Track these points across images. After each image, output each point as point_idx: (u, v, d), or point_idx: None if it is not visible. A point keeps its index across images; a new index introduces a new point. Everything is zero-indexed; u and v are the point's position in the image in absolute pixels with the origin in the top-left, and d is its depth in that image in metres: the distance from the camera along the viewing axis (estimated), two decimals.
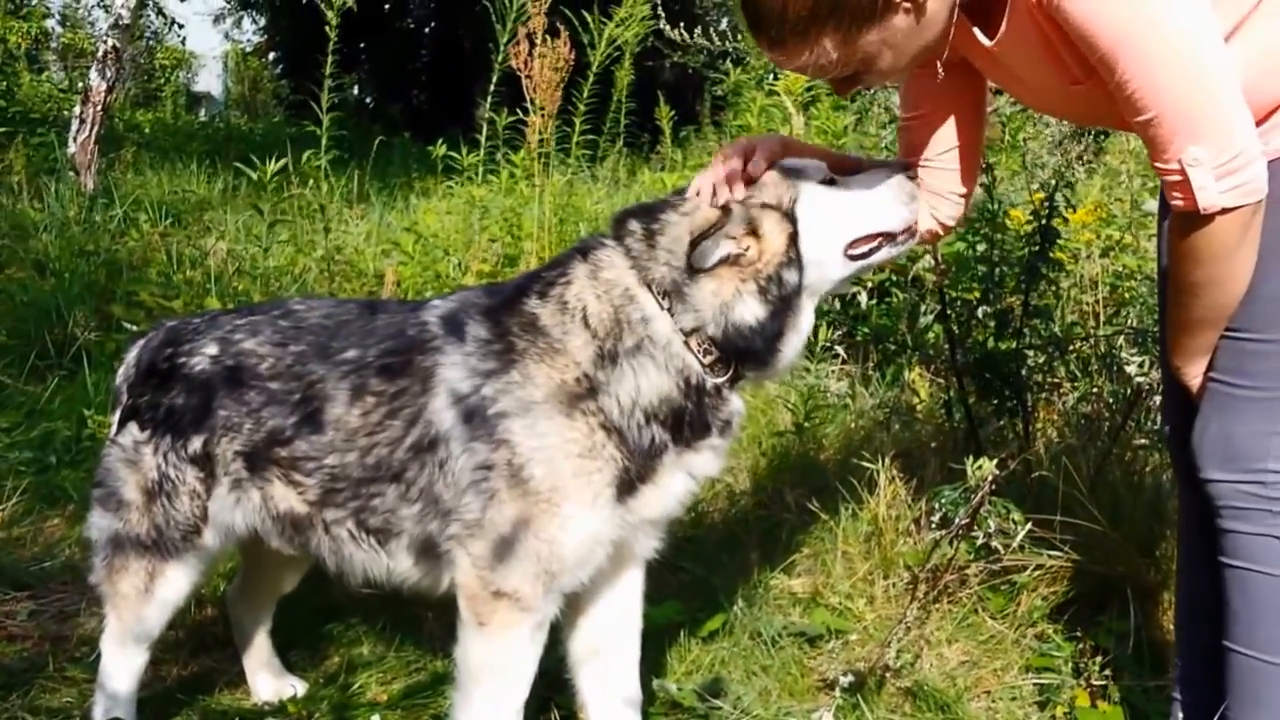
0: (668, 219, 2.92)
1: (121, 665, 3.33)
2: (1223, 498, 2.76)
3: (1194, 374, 2.81)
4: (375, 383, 3.01)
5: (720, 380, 2.89)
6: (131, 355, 3.39)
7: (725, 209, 2.85)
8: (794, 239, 2.85)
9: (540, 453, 2.81)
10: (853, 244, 2.92)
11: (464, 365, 2.91)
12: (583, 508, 2.83)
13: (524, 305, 2.94)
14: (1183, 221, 2.55)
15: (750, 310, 2.84)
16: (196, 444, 3.16)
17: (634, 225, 2.95)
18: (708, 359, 2.86)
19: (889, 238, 2.96)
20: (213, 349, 3.20)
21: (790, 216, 2.87)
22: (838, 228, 2.91)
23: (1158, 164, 2.52)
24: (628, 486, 2.86)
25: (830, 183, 2.94)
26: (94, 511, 3.33)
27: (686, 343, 2.85)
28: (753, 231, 2.85)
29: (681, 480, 2.96)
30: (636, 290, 2.87)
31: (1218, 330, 2.72)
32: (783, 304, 2.85)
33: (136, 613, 3.27)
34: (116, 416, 3.35)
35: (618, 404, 2.84)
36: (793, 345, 2.91)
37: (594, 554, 2.91)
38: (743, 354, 2.88)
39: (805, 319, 2.91)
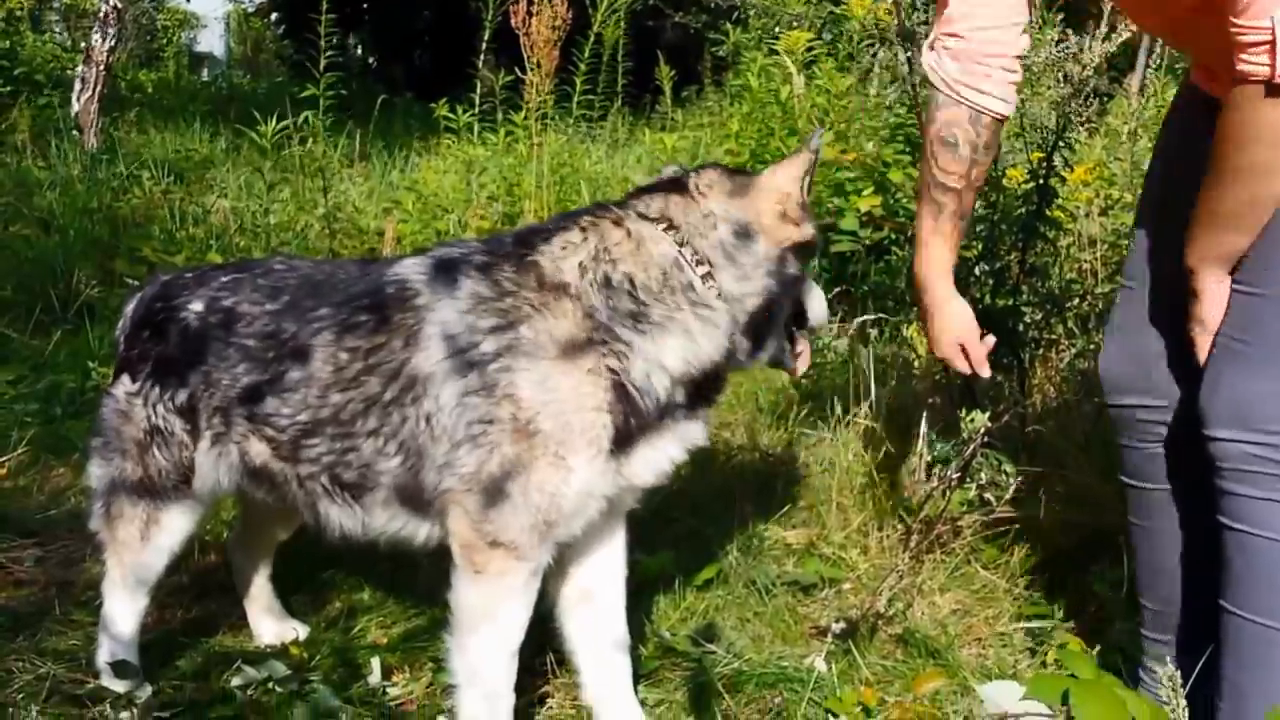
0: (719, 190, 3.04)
1: (123, 609, 3.37)
2: (1229, 459, 2.69)
3: (1205, 285, 2.69)
4: (349, 339, 3.03)
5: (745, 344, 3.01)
6: (129, 307, 3.43)
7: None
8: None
9: (550, 406, 2.83)
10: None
11: (459, 320, 2.92)
12: (586, 462, 2.85)
13: (539, 266, 2.96)
14: (1249, 96, 2.39)
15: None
16: (182, 396, 3.21)
17: (661, 199, 3.03)
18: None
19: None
20: (198, 305, 3.24)
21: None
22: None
23: (1240, 21, 2.35)
24: (627, 445, 2.91)
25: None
26: (92, 460, 3.38)
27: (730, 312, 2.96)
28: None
29: (676, 445, 3.01)
30: (684, 258, 2.95)
31: (1247, 235, 2.60)
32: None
33: (135, 558, 3.32)
34: (113, 367, 3.41)
35: (644, 365, 2.89)
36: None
37: (589, 507, 2.94)
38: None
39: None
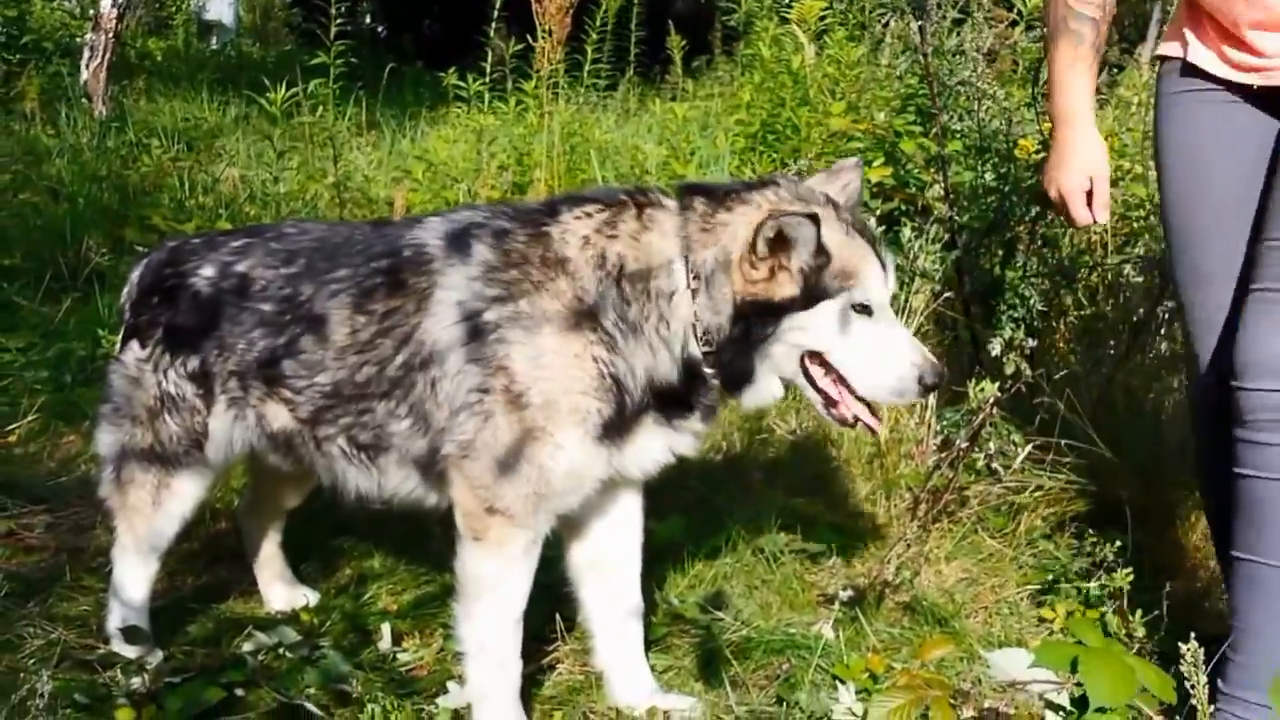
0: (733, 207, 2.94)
1: (133, 575, 3.39)
2: (1266, 409, 2.79)
3: None
4: (365, 302, 3.05)
5: (710, 371, 2.92)
6: (135, 274, 3.43)
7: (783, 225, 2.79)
8: (786, 309, 2.85)
9: (540, 383, 2.86)
10: (815, 365, 2.91)
11: (467, 287, 2.93)
12: (573, 440, 2.87)
13: (549, 238, 2.96)
14: None
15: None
16: (194, 362, 3.22)
17: (698, 203, 2.96)
18: (705, 350, 2.90)
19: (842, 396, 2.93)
20: (210, 270, 3.24)
21: (810, 296, 2.84)
22: (822, 346, 2.88)
23: None
24: (614, 434, 2.91)
25: (867, 311, 2.87)
26: (101, 427, 3.39)
27: (694, 327, 2.89)
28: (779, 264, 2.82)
29: (661, 448, 3.01)
30: (677, 264, 2.90)
31: None
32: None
33: (147, 524, 3.35)
34: (120, 335, 3.42)
35: (625, 359, 2.88)
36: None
37: (582, 485, 2.96)
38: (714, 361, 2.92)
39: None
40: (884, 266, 2.90)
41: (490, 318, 2.89)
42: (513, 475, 2.89)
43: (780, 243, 2.78)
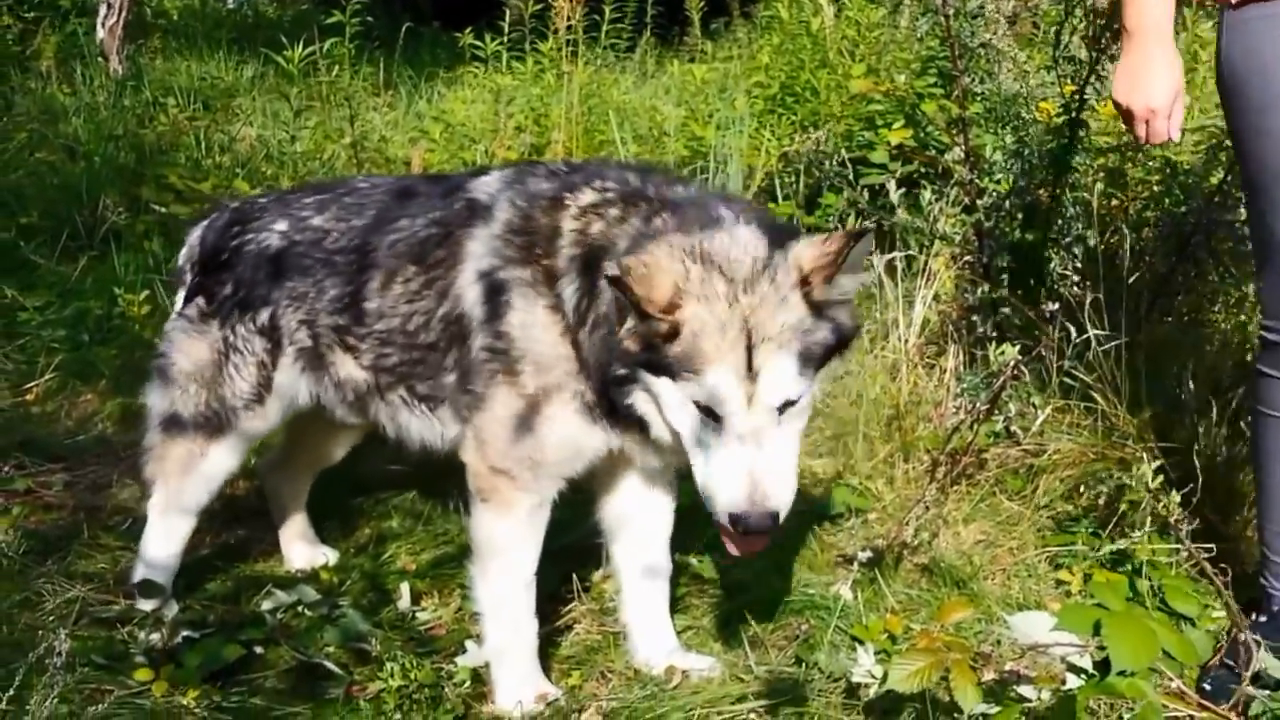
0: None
1: (164, 532, 3.43)
2: None
3: None
4: (419, 253, 3.09)
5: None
6: (194, 236, 3.50)
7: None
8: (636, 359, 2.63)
9: (530, 354, 2.86)
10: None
11: (488, 246, 2.94)
12: (563, 416, 2.86)
13: (566, 197, 2.93)
14: None
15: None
16: (264, 316, 3.28)
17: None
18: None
19: None
20: (283, 225, 3.32)
21: (651, 363, 2.60)
22: (671, 421, 2.65)
23: None
24: (605, 415, 2.86)
25: (711, 415, 2.56)
26: (152, 383, 3.44)
27: None
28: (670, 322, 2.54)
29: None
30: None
31: None
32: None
33: (183, 483, 3.39)
34: (181, 294, 3.46)
35: (587, 348, 2.81)
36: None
37: (579, 455, 2.93)
38: None
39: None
40: (748, 376, 2.53)
41: (502, 277, 2.90)
42: (512, 438, 2.90)
43: (618, 286, 2.55)
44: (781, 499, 2.57)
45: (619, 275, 2.51)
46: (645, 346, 2.58)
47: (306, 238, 3.28)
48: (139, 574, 3.41)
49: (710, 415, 2.56)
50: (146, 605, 3.34)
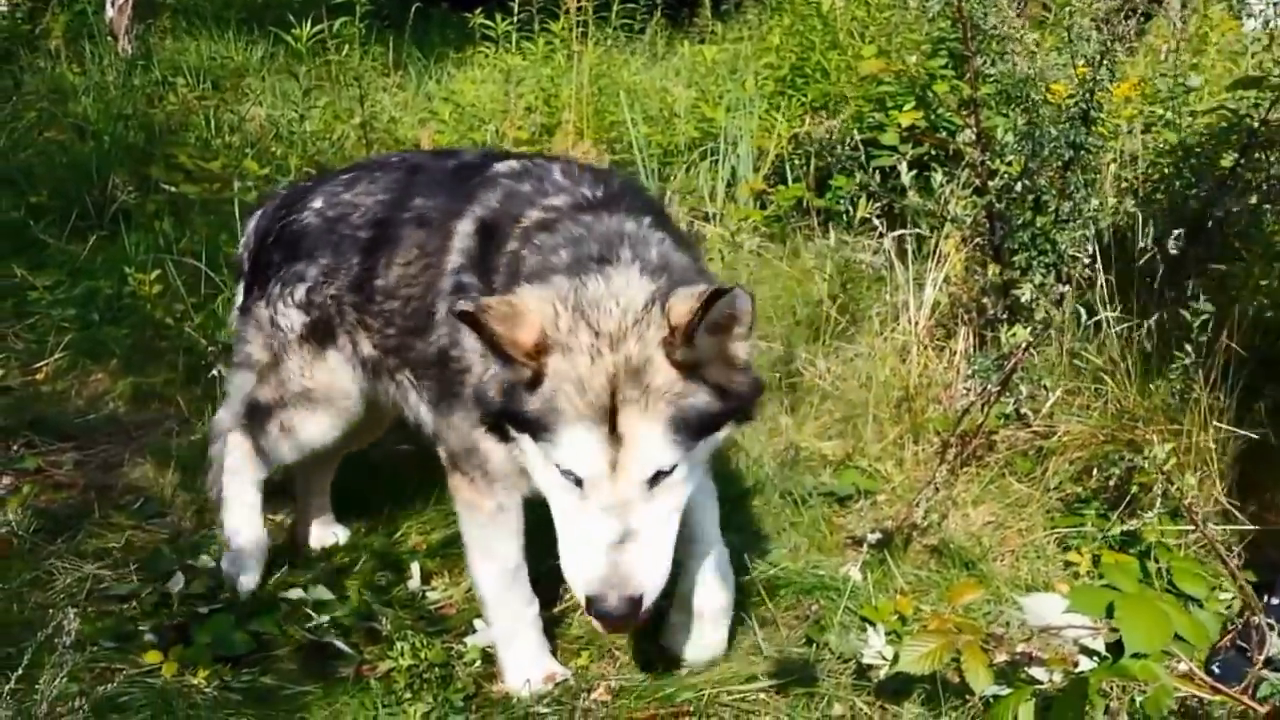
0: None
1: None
2: None
3: None
4: (421, 235, 3.06)
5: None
6: (251, 224, 3.55)
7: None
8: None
9: (474, 372, 2.77)
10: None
11: (470, 235, 2.91)
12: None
13: (512, 229, 2.80)
14: None
15: None
16: (300, 291, 3.30)
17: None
18: None
19: None
20: (318, 202, 3.33)
21: (512, 415, 2.44)
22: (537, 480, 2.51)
23: None
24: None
25: (573, 478, 2.37)
26: (233, 370, 3.54)
27: None
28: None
29: None
30: None
31: None
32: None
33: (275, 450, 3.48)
34: (241, 285, 3.52)
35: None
36: None
37: (524, 474, 2.67)
38: None
39: None
40: (610, 441, 2.31)
41: (466, 280, 2.86)
42: (462, 449, 2.90)
43: (467, 323, 2.38)
44: (646, 583, 2.33)
45: (471, 312, 2.31)
46: (505, 394, 2.41)
47: (337, 213, 3.29)
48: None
49: (576, 480, 2.36)
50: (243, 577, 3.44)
